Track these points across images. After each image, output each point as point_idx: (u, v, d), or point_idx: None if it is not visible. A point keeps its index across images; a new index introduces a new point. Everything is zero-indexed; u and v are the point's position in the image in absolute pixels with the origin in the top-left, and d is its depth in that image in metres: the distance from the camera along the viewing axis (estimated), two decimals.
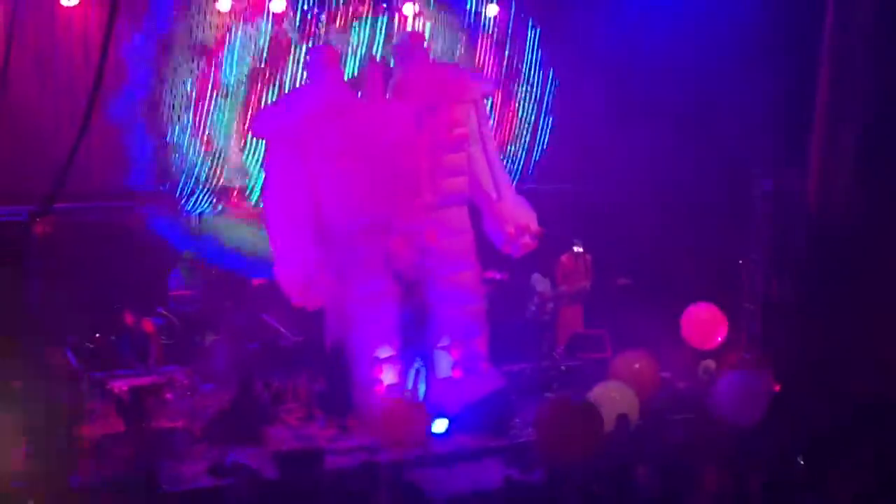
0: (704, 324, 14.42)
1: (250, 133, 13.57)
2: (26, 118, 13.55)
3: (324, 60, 12.89)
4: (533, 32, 16.02)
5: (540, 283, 14.55)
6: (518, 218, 13.34)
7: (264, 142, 13.11)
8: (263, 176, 12.72)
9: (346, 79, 13.76)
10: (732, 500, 9.38)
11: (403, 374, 12.73)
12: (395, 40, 14.30)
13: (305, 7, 14.47)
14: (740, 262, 14.91)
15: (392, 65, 13.57)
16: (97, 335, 13.31)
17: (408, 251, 12.72)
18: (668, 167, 15.14)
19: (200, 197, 14.48)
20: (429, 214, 12.91)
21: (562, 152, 16.29)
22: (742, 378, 12.49)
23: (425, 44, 13.98)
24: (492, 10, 15.82)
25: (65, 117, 13.51)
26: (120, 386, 12.17)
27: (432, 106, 12.97)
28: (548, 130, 16.34)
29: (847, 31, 13.54)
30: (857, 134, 13.48)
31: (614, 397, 11.87)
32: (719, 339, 14.40)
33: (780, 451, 10.37)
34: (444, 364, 12.95)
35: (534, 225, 13.34)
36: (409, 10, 15.08)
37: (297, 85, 14.30)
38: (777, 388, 12.81)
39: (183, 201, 14.41)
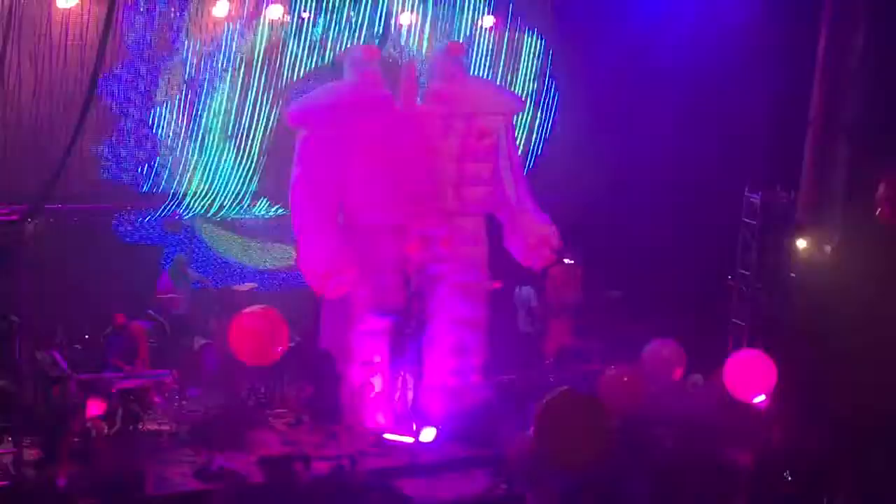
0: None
1: (287, 121, 13.32)
2: (20, 117, 13.49)
3: (364, 59, 12.93)
4: (528, 44, 16.06)
5: (529, 294, 14.57)
6: (539, 230, 13.37)
7: (297, 131, 12.89)
8: (294, 164, 12.65)
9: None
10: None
11: (393, 381, 12.74)
12: (433, 50, 14.34)
13: (303, 15, 14.48)
14: (730, 277, 14.96)
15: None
16: (86, 336, 13.28)
17: (422, 254, 12.80)
18: (659, 180, 15.18)
19: (193, 200, 14.48)
20: (447, 221, 13.00)
21: (553, 164, 16.33)
22: None
23: (464, 56, 13.88)
24: (487, 21, 15.84)
25: (59, 117, 13.46)
26: (108, 388, 12.13)
27: (465, 115, 13.04)
28: (542, 142, 16.38)
29: (841, 46, 13.63)
30: (849, 148, 13.54)
31: None
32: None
33: (767, 466, 10.40)
34: (438, 373, 12.96)
35: (554, 238, 13.36)
36: (405, 19, 15.09)
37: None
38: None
39: (175, 205, 14.40)
